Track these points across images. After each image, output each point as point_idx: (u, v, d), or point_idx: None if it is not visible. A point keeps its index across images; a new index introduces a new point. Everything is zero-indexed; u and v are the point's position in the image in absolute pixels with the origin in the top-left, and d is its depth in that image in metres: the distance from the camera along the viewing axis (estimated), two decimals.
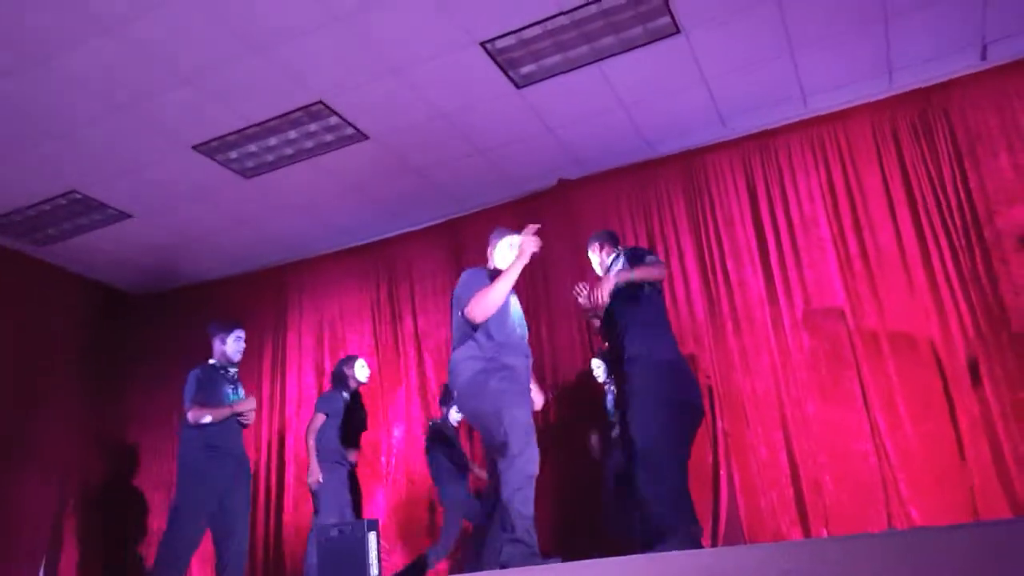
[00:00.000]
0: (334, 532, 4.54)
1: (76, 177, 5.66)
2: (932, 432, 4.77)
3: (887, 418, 4.89)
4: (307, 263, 7.13)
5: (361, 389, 5.67)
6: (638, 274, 3.89)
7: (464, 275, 3.72)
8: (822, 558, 2.10)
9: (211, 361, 5.04)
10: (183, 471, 4.78)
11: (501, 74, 4.91)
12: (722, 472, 5.17)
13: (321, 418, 5.40)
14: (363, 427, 5.64)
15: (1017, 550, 1.80)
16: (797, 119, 5.51)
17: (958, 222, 4.98)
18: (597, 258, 4.35)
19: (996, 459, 4.61)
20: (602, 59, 4.84)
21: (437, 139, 5.56)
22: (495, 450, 3.29)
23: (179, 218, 6.35)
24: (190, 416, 4.77)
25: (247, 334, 5.34)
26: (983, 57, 5.05)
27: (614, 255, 4.22)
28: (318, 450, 5.31)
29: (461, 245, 6.52)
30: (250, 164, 5.73)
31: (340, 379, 5.60)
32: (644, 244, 5.80)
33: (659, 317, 4.01)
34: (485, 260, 6.24)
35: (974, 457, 4.65)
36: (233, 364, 5.08)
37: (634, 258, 4.05)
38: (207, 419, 4.76)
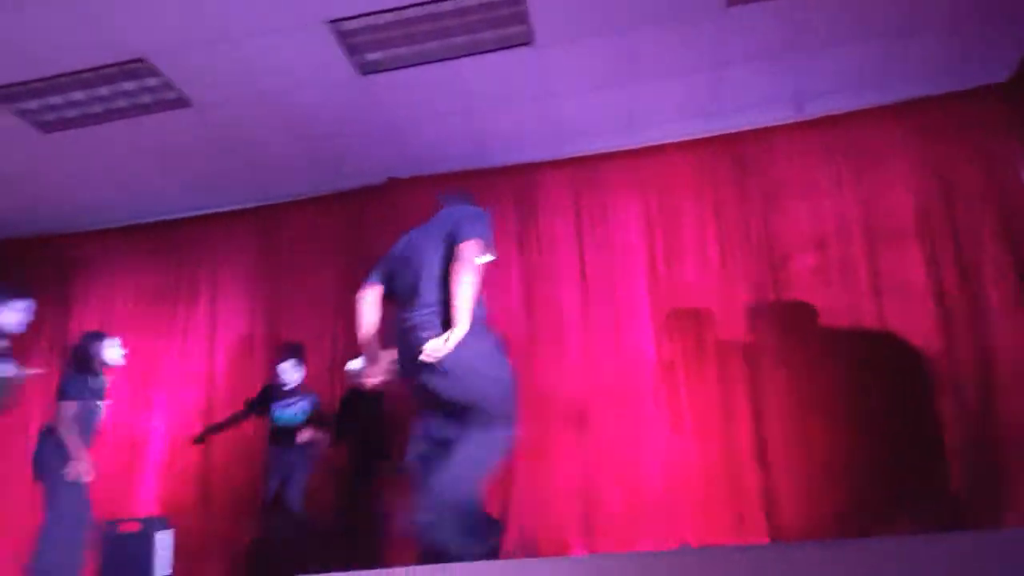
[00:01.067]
0: (117, 529, 4.15)
1: None
2: (713, 455, 5.08)
3: (677, 439, 5.16)
4: (101, 235, 6.53)
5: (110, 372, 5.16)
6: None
7: (477, 211, 3.33)
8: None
9: None
10: None
11: (345, 58, 4.73)
12: (518, 481, 5.24)
13: (73, 406, 4.70)
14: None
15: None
16: (625, 147, 5.72)
17: (759, 261, 5.37)
18: None
19: (764, 485, 4.96)
20: (453, 58, 4.77)
21: (267, 117, 5.25)
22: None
23: None
24: None
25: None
26: (798, 110, 5.51)
27: None
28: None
29: (273, 233, 6.25)
30: (49, 117, 5.15)
31: (84, 360, 4.88)
32: None
33: None
34: (301, 248, 6.05)
35: (747, 482, 4.98)
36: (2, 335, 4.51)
37: None
38: None
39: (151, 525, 4.41)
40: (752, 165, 5.54)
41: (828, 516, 4.73)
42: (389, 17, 4.44)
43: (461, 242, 3.13)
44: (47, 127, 5.24)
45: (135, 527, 4.32)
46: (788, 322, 5.21)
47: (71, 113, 5.11)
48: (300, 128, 5.41)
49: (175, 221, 6.44)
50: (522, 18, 4.49)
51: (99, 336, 5.03)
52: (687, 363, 5.28)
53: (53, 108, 5.06)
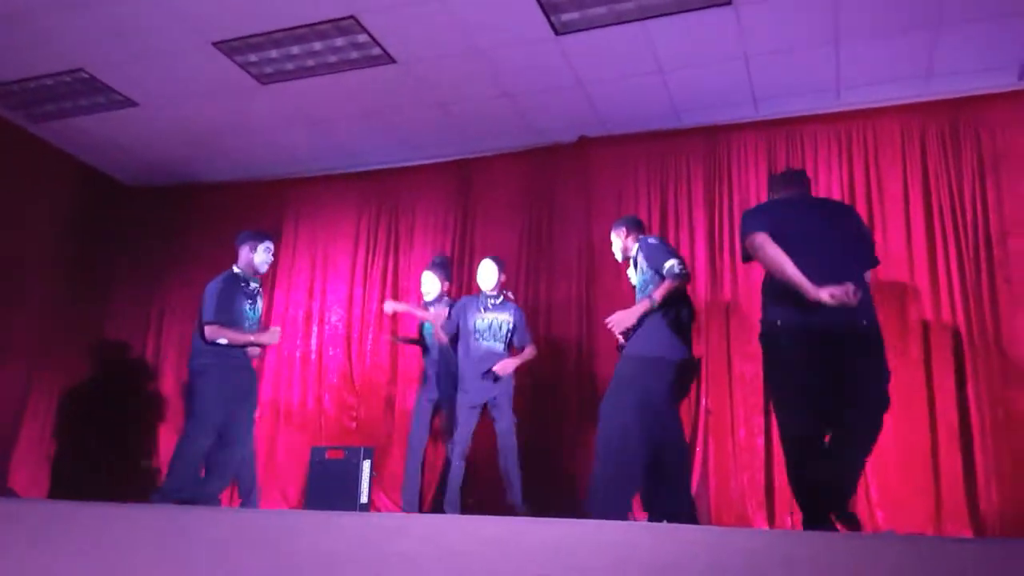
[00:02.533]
0: (324, 456, 4.55)
1: (86, 56, 5.43)
2: (910, 438, 4.84)
3: None
4: (309, 181, 6.98)
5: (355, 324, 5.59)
6: (659, 297, 4.14)
7: None
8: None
9: (235, 270, 4.93)
10: (197, 381, 4.69)
11: (543, 17, 4.78)
12: (698, 449, 5.23)
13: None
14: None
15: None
16: (828, 111, 5.46)
17: (970, 235, 5.02)
18: (620, 243, 4.49)
19: (967, 475, 4.71)
20: (648, 18, 4.73)
21: (465, 74, 5.43)
22: None
23: (186, 114, 6.16)
24: (207, 332, 4.67)
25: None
26: (1021, 77, 5.03)
27: (636, 246, 4.36)
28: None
29: (469, 186, 6.44)
30: (268, 70, 5.56)
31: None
32: (656, 214, 5.78)
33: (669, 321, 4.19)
34: (489, 203, 6.24)
35: (947, 469, 4.74)
36: (256, 278, 5.01)
37: (652, 258, 4.22)
38: (223, 341, 4.68)
39: (356, 454, 4.76)
40: (968, 133, 5.16)
41: None
42: None
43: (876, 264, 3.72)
44: (266, 79, 5.67)
45: (340, 455, 4.70)
46: (1001, 304, 4.88)
47: (288, 66, 5.50)
48: (497, 86, 5.54)
49: (378, 171, 6.78)
50: None
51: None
52: (887, 339, 5.02)
53: (272, 61, 5.46)
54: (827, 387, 3.36)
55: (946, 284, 5.00)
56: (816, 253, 3.38)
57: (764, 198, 5.47)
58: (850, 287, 3.22)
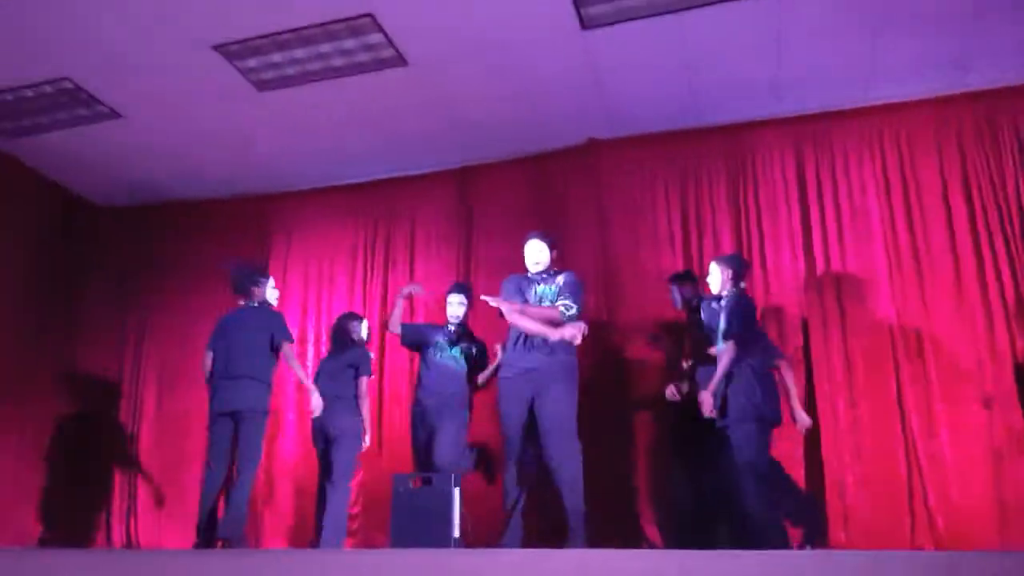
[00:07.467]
0: (411, 484, 4.05)
1: (72, 63, 5.01)
2: (968, 443, 4.60)
3: (922, 423, 4.71)
4: (300, 195, 6.56)
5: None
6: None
7: None
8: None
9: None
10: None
11: (572, 9, 4.52)
12: None
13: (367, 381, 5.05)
14: None
15: None
16: (857, 105, 5.26)
17: (1016, 229, 4.82)
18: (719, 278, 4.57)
19: None
20: (683, 9, 4.49)
21: (481, 74, 5.12)
22: None
23: (174, 125, 5.73)
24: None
25: (226, 263, 5.24)
26: None
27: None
28: None
29: (469, 195, 6.10)
30: (268, 76, 5.19)
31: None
32: (677, 218, 5.51)
33: None
34: (493, 212, 5.91)
35: (1010, 473, 4.50)
36: None
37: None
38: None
39: (445, 481, 4.14)
40: (1007, 125, 4.99)
41: None
42: None
43: None
44: (263, 86, 5.30)
45: (419, 483, 4.16)
46: None
47: (289, 71, 5.14)
48: (510, 87, 5.24)
49: (371, 183, 6.39)
50: None
51: (354, 316, 5.27)
52: (933, 341, 4.82)
53: (273, 66, 5.10)
54: None
55: (995, 280, 4.79)
56: None
57: (793, 200, 5.28)
58: None
